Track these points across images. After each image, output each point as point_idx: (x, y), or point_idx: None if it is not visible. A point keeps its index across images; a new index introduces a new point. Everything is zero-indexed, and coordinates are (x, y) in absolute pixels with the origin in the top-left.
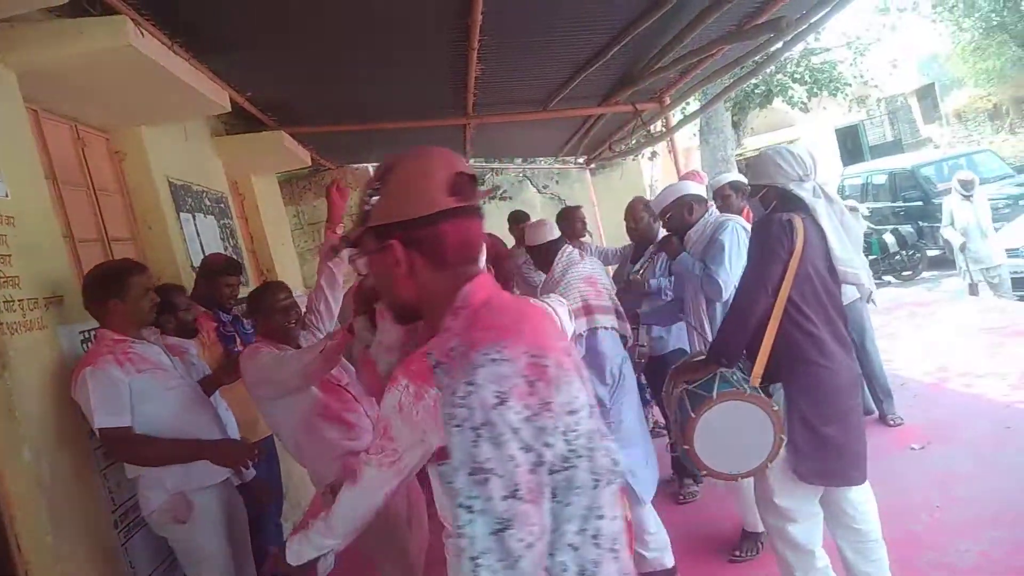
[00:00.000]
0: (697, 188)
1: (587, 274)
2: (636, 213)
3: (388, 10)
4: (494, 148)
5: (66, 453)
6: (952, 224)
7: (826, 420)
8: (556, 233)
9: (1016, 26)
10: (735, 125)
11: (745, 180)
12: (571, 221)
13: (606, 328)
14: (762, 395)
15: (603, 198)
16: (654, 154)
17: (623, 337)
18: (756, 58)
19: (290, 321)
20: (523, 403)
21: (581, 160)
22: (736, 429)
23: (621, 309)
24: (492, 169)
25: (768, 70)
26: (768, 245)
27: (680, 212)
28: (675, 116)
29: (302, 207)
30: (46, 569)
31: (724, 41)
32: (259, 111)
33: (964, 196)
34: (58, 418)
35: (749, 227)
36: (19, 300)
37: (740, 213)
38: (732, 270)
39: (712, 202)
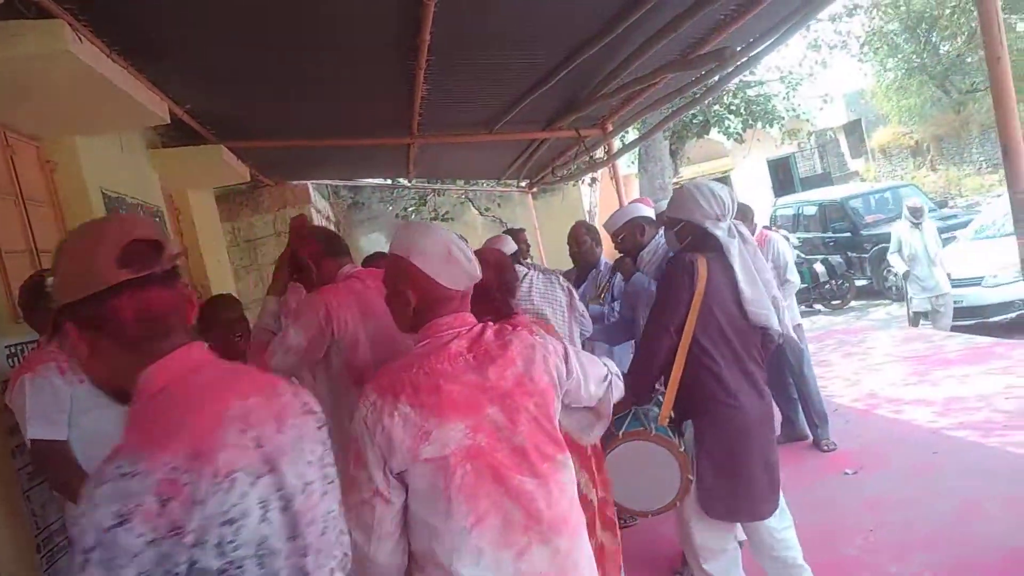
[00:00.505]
0: (648, 211)
1: None
2: (579, 237)
3: (334, 26)
4: (437, 169)
5: None
6: (900, 251)
7: (733, 457)
8: (507, 252)
9: (935, 68)
10: (673, 154)
11: None
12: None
13: None
14: (668, 435)
15: (544, 222)
16: (594, 180)
17: None
18: (696, 89)
19: (234, 334)
20: (149, 525)
21: (523, 184)
22: (642, 468)
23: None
24: (434, 190)
25: (706, 101)
26: (671, 286)
27: (633, 233)
28: (616, 143)
29: (238, 223)
30: None
31: (668, 69)
32: (198, 124)
33: (913, 224)
34: None
35: None
36: None
37: None
38: None
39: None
